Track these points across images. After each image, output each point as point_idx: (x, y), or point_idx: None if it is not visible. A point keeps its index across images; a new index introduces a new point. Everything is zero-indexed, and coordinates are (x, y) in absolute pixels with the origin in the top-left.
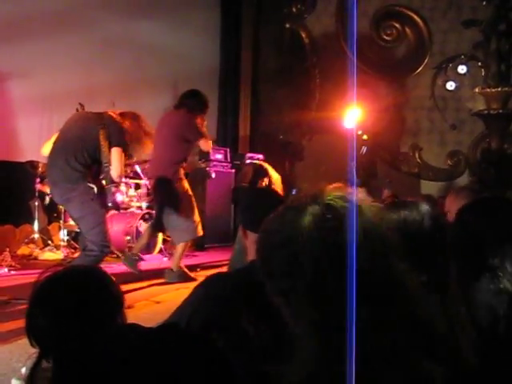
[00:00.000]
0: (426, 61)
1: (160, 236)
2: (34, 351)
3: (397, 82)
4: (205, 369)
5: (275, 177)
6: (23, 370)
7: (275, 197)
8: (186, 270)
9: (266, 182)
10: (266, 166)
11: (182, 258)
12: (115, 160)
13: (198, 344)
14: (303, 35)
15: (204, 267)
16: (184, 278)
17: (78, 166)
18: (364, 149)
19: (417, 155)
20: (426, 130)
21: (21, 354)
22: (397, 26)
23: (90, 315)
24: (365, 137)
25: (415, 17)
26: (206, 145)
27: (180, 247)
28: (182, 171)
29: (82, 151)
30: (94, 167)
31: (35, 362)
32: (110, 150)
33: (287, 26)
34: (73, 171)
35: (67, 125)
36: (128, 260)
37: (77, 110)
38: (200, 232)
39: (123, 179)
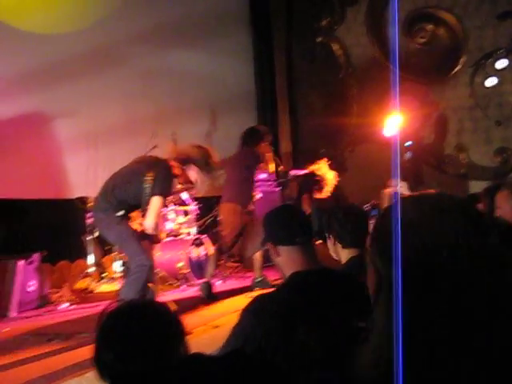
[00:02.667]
0: (462, 59)
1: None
2: None
3: (435, 84)
4: None
5: (329, 176)
6: None
7: (296, 210)
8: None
9: (315, 191)
10: (315, 168)
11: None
12: (151, 209)
13: (261, 368)
14: (335, 47)
15: None
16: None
17: (113, 199)
18: (408, 154)
19: (462, 156)
20: (469, 130)
21: None
22: (429, 27)
23: (153, 347)
24: (407, 143)
25: (447, 16)
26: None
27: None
28: None
29: (122, 190)
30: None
31: None
32: (150, 199)
33: (319, 40)
34: (105, 203)
35: (128, 164)
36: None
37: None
38: None
39: (172, 207)
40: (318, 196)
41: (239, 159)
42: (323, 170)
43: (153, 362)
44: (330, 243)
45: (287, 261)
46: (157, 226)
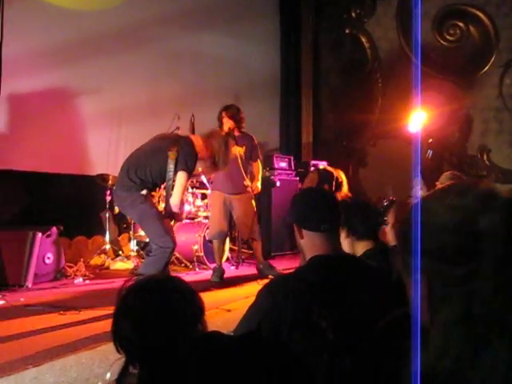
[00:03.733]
0: (492, 59)
1: (227, 245)
2: (114, 357)
3: (462, 82)
4: (282, 372)
5: (344, 180)
6: (108, 375)
7: (329, 195)
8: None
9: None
10: (332, 169)
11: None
12: (177, 185)
13: (276, 350)
14: (363, 40)
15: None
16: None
17: (136, 178)
18: (430, 152)
19: (485, 157)
20: (494, 131)
21: (101, 360)
22: (460, 24)
23: (173, 323)
24: (430, 140)
25: (479, 14)
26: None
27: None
28: None
29: (145, 167)
30: (154, 188)
31: (122, 368)
32: (175, 174)
33: (347, 31)
34: (128, 181)
35: (149, 141)
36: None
37: (178, 117)
38: None
39: (190, 190)
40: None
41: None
42: (337, 173)
43: (171, 337)
44: (342, 237)
45: (310, 245)
46: (182, 203)
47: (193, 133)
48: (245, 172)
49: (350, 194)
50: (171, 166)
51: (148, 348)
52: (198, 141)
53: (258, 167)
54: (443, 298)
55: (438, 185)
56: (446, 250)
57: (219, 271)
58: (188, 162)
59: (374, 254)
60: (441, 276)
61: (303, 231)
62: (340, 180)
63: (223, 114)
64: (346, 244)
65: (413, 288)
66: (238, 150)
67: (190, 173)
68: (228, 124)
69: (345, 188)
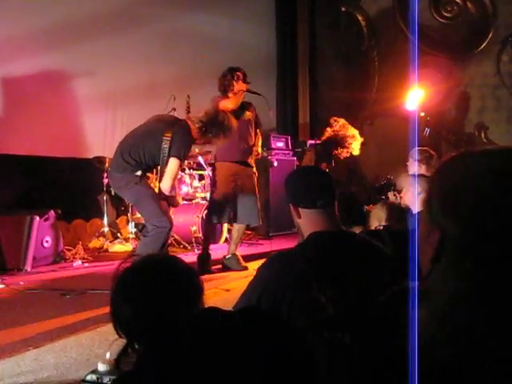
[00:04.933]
0: (490, 36)
1: (225, 226)
2: (114, 338)
3: (459, 59)
4: (279, 346)
5: (351, 132)
6: (107, 355)
7: (321, 171)
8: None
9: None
10: (336, 127)
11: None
12: (168, 171)
13: (275, 324)
14: (359, 17)
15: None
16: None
17: (130, 159)
18: (427, 130)
19: (483, 135)
20: (491, 109)
21: (101, 341)
22: (457, 1)
23: (172, 302)
24: (428, 118)
25: None
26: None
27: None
28: None
29: (139, 149)
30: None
31: (122, 349)
32: (168, 159)
33: (343, 9)
34: (122, 162)
35: (145, 122)
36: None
37: (174, 98)
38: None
39: (187, 171)
40: (345, 155)
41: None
42: (344, 126)
43: (170, 317)
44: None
45: (308, 223)
46: (173, 189)
47: (188, 113)
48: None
49: (358, 151)
50: (165, 151)
51: (148, 328)
52: (193, 126)
53: (261, 133)
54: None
55: (411, 161)
56: (474, 217)
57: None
58: (181, 149)
59: (368, 235)
60: (460, 241)
61: (300, 210)
62: (343, 137)
63: (237, 75)
64: None
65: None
66: (248, 115)
67: (183, 159)
68: (242, 87)
69: (356, 143)
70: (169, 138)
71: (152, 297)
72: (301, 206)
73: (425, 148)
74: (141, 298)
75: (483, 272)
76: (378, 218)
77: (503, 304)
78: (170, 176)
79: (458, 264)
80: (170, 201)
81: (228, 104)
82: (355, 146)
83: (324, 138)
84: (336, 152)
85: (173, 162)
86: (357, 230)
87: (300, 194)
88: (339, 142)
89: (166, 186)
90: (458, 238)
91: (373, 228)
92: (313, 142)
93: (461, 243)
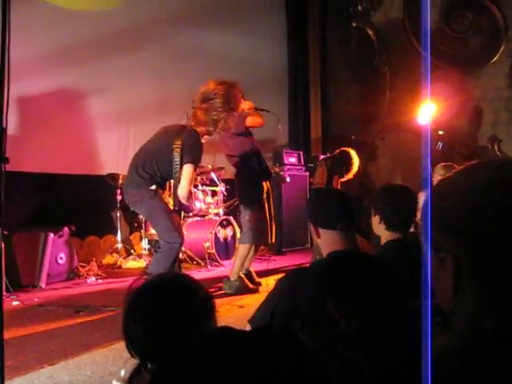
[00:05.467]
0: (501, 49)
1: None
2: (128, 355)
3: (472, 73)
4: (294, 368)
5: (355, 160)
6: (122, 373)
7: (344, 194)
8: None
9: (345, 177)
10: (338, 154)
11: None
12: (184, 178)
13: (288, 344)
14: (370, 32)
15: (283, 271)
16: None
17: (144, 174)
18: (440, 144)
19: (496, 147)
20: (505, 121)
21: (115, 358)
22: (468, 15)
23: (184, 321)
24: (440, 132)
25: (488, 3)
26: (253, 120)
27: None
28: None
29: (152, 162)
30: (163, 183)
31: (135, 369)
32: (182, 167)
33: (354, 24)
34: (137, 177)
35: (154, 136)
36: (229, 286)
37: (187, 115)
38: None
39: (200, 187)
40: (344, 177)
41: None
42: (352, 152)
43: (181, 336)
44: (374, 221)
45: (326, 243)
46: (190, 195)
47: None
48: None
49: (353, 177)
50: (177, 159)
51: (159, 348)
52: (201, 129)
53: None
54: (474, 280)
55: (436, 176)
56: (478, 228)
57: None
58: (193, 153)
59: (394, 247)
60: (473, 257)
61: (320, 230)
62: (350, 159)
63: (236, 91)
64: (377, 228)
65: (427, 267)
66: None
67: (197, 164)
68: (247, 105)
69: (354, 169)
70: (179, 146)
71: (163, 316)
72: (321, 227)
73: (449, 163)
74: (152, 318)
75: (501, 288)
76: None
77: None
78: (186, 182)
79: (476, 284)
80: (184, 208)
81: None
82: (353, 172)
83: (334, 153)
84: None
85: (187, 168)
86: (395, 235)
87: (321, 216)
88: (346, 162)
89: (183, 192)
90: (473, 257)
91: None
92: (324, 156)
93: (476, 260)
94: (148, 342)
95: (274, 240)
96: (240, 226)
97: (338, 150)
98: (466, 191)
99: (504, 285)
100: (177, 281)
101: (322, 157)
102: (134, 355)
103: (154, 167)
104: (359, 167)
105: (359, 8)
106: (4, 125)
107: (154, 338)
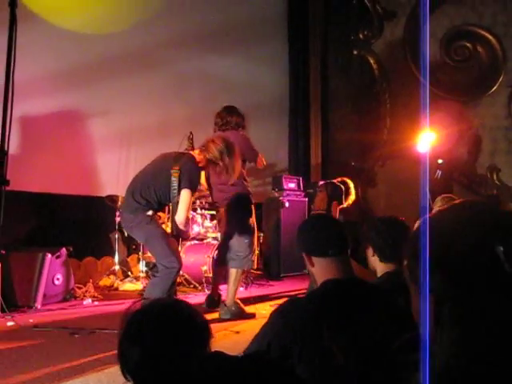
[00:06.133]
0: (500, 79)
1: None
2: (122, 380)
3: (471, 102)
4: None
5: (351, 187)
6: None
7: (332, 220)
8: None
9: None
10: (336, 180)
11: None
12: (181, 203)
13: (280, 372)
14: (371, 61)
15: (281, 297)
16: (240, 315)
17: (141, 199)
18: (439, 173)
19: (495, 177)
20: (504, 151)
21: (109, 383)
22: (468, 45)
23: (180, 346)
24: (440, 161)
25: (487, 34)
26: (261, 161)
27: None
28: None
29: (150, 188)
30: (160, 208)
31: None
32: (179, 192)
33: (355, 52)
34: (133, 202)
35: (152, 161)
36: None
37: (188, 137)
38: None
39: (199, 211)
40: (344, 204)
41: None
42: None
43: (177, 361)
44: (368, 253)
45: (320, 271)
46: (188, 221)
47: (192, 149)
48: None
49: (349, 206)
50: (175, 185)
51: (155, 372)
52: (198, 154)
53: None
54: (450, 319)
55: (435, 208)
56: (460, 267)
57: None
58: (191, 179)
59: (391, 279)
60: (451, 295)
61: (313, 259)
62: (348, 188)
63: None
64: (372, 260)
65: (420, 304)
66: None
67: (194, 189)
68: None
69: (352, 195)
70: (177, 172)
71: (160, 340)
72: (313, 255)
73: (449, 195)
74: (149, 341)
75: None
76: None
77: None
78: (183, 207)
79: (456, 322)
80: (181, 234)
81: None
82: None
83: (334, 180)
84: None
85: (185, 193)
86: (390, 267)
87: (311, 244)
88: (345, 190)
89: (180, 217)
90: (449, 293)
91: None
92: (324, 181)
93: (453, 297)
94: (143, 365)
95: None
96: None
97: (339, 179)
98: (448, 230)
99: (479, 323)
100: (174, 306)
101: (321, 182)
102: (128, 379)
103: (151, 193)
104: (358, 194)
105: (360, 36)
106: (6, 148)
107: (149, 362)
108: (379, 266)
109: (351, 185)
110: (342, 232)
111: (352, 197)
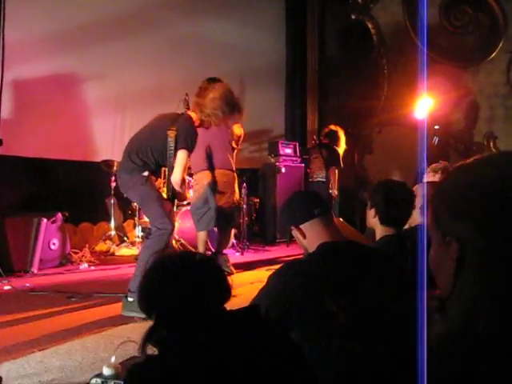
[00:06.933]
0: (500, 45)
1: (232, 231)
2: (119, 342)
3: (470, 68)
4: (281, 353)
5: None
6: (113, 359)
7: (303, 191)
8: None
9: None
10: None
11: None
12: (178, 164)
13: (274, 330)
14: (369, 26)
15: (277, 262)
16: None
17: (138, 160)
18: (436, 139)
19: (492, 144)
20: (501, 118)
21: (106, 344)
22: (468, 10)
23: (211, 297)
24: (436, 127)
25: None
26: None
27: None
28: None
29: (147, 149)
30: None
31: (149, 332)
32: (176, 153)
33: (353, 17)
34: (130, 163)
35: (149, 122)
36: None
37: (184, 99)
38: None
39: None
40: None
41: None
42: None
43: (204, 311)
44: (369, 214)
45: (313, 237)
46: (184, 181)
47: (188, 109)
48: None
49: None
50: (171, 145)
51: (182, 314)
52: (195, 116)
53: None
54: (478, 268)
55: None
56: (491, 218)
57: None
58: (188, 139)
59: (391, 241)
60: (481, 245)
61: (302, 228)
62: (337, 137)
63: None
64: (372, 221)
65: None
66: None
67: (191, 150)
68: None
69: (342, 143)
70: (174, 132)
71: (196, 286)
72: (301, 222)
73: (444, 162)
74: (186, 285)
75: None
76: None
77: None
78: (180, 167)
79: (479, 274)
80: (177, 195)
81: None
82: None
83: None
84: (336, 146)
85: (181, 154)
86: (388, 231)
87: (297, 211)
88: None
89: (176, 178)
90: (478, 243)
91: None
92: (313, 143)
93: (482, 248)
94: (175, 306)
95: None
96: None
97: (326, 129)
98: (480, 181)
99: (508, 276)
100: (205, 261)
101: (313, 146)
102: (150, 317)
103: (148, 153)
104: (354, 161)
105: (359, 0)
106: None
107: (182, 304)
108: (379, 228)
109: (340, 133)
110: (318, 194)
111: (342, 144)
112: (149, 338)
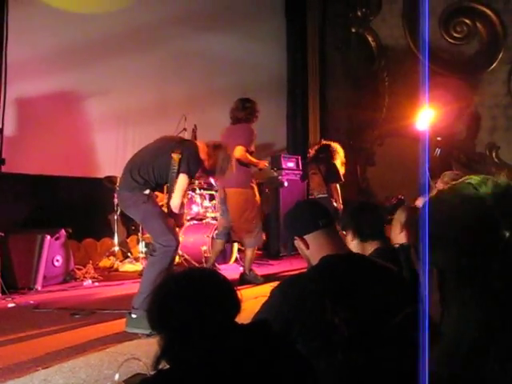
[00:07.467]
0: (500, 55)
1: (235, 246)
2: (123, 359)
3: (470, 79)
4: (286, 365)
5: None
6: (117, 377)
7: (308, 200)
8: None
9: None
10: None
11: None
12: (178, 188)
13: (281, 341)
14: (369, 38)
15: (280, 276)
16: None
17: (139, 178)
18: (438, 151)
19: (494, 154)
20: (503, 128)
21: (110, 362)
22: (467, 21)
23: (219, 315)
24: (438, 138)
25: (487, 10)
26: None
27: (250, 252)
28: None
29: (149, 167)
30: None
31: (163, 349)
32: (177, 176)
33: (353, 30)
34: (131, 181)
35: (152, 142)
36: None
37: (193, 130)
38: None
39: (198, 191)
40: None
41: (241, 135)
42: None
43: (215, 330)
44: (348, 240)
45: (316, 249)
46: (182, 206)
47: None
48: None
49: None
50: (174, 168)
51: (194, 329)
52: (203, 147)
53: None
54: (457, 291)
55: (440, 184)
56: (463, 240)
57: None
58: (190, 165)
59: (383, 253)
60: (455, 268)
61: (306, 239)
62: (332, 152)
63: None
64: (353, 245)
65: (421, 281)
66: None
67: (192, 176)
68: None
69: (339, 156)
70: (178, 156)
71: (208, 300)
72: (305, 233)
73: (456, 172)
74: (200, 298)
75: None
76: (400, 222)
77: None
78: (179, 192)
79: (459, 295)
80: (176, 219)
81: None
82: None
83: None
84: (333, 160)
85: (182, 178)
86: (374, 245)
87: (301, 222)
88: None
89: (175, 202)
90: (455, 266)
91: (395, 237)
92: (309, 158)
93: (457, 270)
94: (190, 319)
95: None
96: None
97: (317, 147)
98: (452, 206)
99: (484, 294)
100: (215, 273)
101: (309, 161)
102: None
103: (150, 172)
104: (357, 173)
105: (358, 13)
106: (0, 125)
107: (195, 316)
108: (365, 247)
109: (334, 146)
110: (323, 205)
111: (339, 157)
112: (163, 355)
